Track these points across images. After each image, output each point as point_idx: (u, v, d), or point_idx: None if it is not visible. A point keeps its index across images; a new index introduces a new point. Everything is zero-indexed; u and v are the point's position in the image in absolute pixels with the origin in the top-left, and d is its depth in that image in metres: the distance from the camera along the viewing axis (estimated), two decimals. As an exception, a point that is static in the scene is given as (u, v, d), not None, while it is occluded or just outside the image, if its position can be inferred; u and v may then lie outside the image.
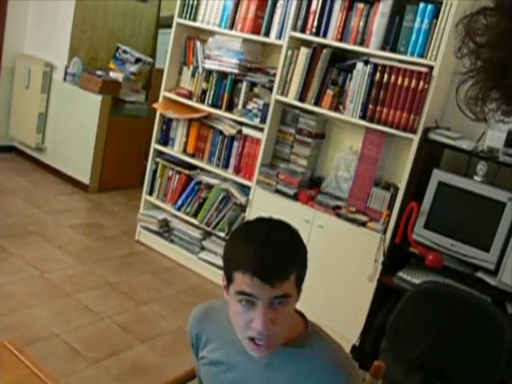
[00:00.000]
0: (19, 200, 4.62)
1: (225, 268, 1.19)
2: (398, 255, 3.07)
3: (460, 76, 0.59)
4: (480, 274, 2.79)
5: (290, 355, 1.21)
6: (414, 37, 3.01)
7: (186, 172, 4.06)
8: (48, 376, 1.42)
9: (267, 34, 3.60)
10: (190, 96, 4.00)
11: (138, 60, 5.21)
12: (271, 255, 1.12)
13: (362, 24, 3.20)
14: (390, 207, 3.14)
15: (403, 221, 2.97)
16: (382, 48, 3.13)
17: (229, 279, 1.16)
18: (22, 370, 1.42)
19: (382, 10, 3.12)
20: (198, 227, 4.02)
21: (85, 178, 5.11)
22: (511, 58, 0.53)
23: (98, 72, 5.09)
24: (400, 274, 2.95)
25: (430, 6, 2.96)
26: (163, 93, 4.11)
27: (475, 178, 2.83)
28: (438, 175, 2.89)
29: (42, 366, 1.47)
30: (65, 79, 5.22)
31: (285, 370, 1.20)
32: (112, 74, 5.12)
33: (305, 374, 1.19)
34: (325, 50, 3.35)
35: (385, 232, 3.11)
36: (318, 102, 3.38)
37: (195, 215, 4.00)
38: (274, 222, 1.20)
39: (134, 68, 5.18)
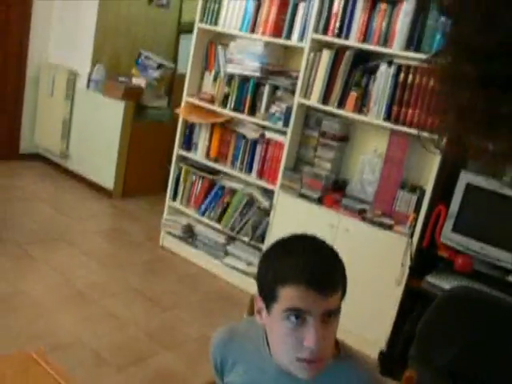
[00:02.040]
0: (45, 206, 4.66)
1: (265, 286, 1.13)
2: (425, 259, 3.01)
3: None
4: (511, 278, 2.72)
5: (321, 382, 1.15)
6: (438, 36, 2.96)
7: (210, 177, 4.05)
8: (73, 385, 1.41)
9: (289, 37, 3.57)
10: (212, 100, 3.99)
11: (160, 66, 5.23)
12: (323, 265, 1.09)
13: (384, 24, 3.15)
14: (417, 210, 3.08)
15: (430, 224, 2.92)
16: (406, 48, 3.07)
17: (272, 298, 1.10)
18: (48, 380, 1.41)
19: (406, 10, 3.07)
20: (222, 232, 4.00)
21: (109, 184, 5.14)
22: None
23: (121, 78, 5.12)
24: (428, 278, 2.89)
25: (454, 5, 2.90)
26: (185, 98, 4.11)
27: (504, 179, 2.76)
28: (465, 177, 2.83)
29: (69, 377, 1.46)
30: (88, 86, 5.27)
31: None
32: (134, 80, 5.15)
33: None
34: (347, 52, 3.31)
35: (411, 235, 3.05)
36: (341, 105, 3.34)
37: (219, 220, 3.98)
38: (312, 237, 1.17)
39: (156, 74, 5.20)
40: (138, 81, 5.14)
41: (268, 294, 1.12)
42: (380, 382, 1.20)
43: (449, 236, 2.87)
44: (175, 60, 5.75)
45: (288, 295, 1.07)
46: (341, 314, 1.13)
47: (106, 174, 5.15)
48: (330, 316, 1.08)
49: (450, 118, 0.49)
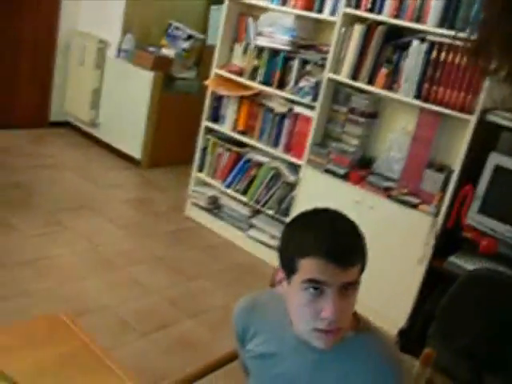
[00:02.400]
0: (73, 174, 4.74)
1: (285, 257, 1.16)
2: (449, 239, 3.00)
3: None
4: (536, 262, 2.70)
5: (338, 354, 1.18)
6: (473, 13, 2.89)
7: (236, 149, 4.07)
8: (101, 350, 1.46)
9: (320, 11, 3.52)
10: (241, 73, 3.98)
11: (189, 37, 5.22)
12: (343, 239, 1.11)
13: (419, 0, 3.09)
14: (443, 190, 3.06)
15: (457, 204, 2.90)
16: (440, 25, 3.01)
17: (292, 269, 1.13)
18: (76, 342, 1.47)
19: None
20: (246, 205, 4.03)
21: (136, 154, 5.20)
22: None
23: (151, 48, 5.13)
24: (451, 258, 2.88)
25: (492, -19, 2.83)
26: (214, 70, 4.10)
27: (535, 161, 2.72)
28: (495, 158, 2.79)
29: (95, 339, 1.51)
30: (118, 56, 5.29)
31: (333, 371, 1.18)
32: (164, 51, 5.15)
33: (353, 375, 1.16)
34: (380, 27, 3.27)
35: (437, 215, 3.04)
36: (371, 81, 3.31)
37: (244, 193, 4.01)
38: (334, 211, 1.18)
39: (185, 45, 5.20)
40: (168, 51, 5.14)
41: (288, 265, 1.15)
42: (398, 357, 1.22)
43: (475, 217, 2.85)
44: (205, 31, 5.71)
45: (307, 267, 1.09)
46: (362, 290, 1.15)
47: (133, 143, 5.20)
48: (348, 289, 1.10)
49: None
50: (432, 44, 3.06)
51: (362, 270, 1.13)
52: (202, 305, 3.24)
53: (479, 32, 0.53)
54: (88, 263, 3.42)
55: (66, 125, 5.82)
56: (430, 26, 3.04)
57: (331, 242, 1.09)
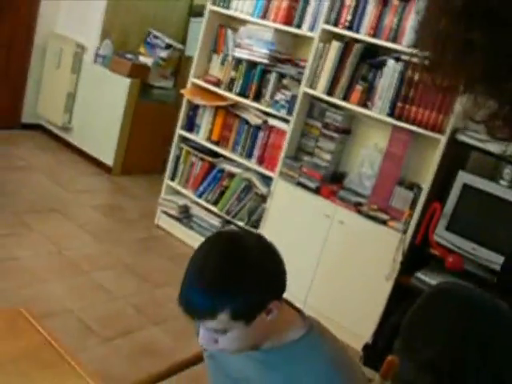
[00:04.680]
0: (43, 177, 4.66)
1: None
2: (417, 256, 3.03)
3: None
4: (500, 280, 2.74)
5: (285, 356, 1.18)
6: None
7: (210, 159, 4.06)
8: (61, 345, 1.43)
9: (299, 26, 3.57)
10: (218, 84, 4.00)
11: (168, 46, 5.22)
12: (196, 295, 1.08)
13: (395, 21, 3.16)
14: (413, 207, 3.11)
15: (425, 221, 2.94)
16: (415, 46, 3.07)
17: None
18: (36, 337, 1.43)
19: (417, 8, 3.06)
20: (217, 215, 4.02)
21: (109, 160, 5.15)
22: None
23: (128, 55, 5.12)
24: (418, 274, 2.91)
25: (467, 6, 2.91)
26: (192, 79, 4.11)
27: (501, 182, 2.78)
28: (463, 177, 2.85)
29: (56, 336, 1.48)
30: (95, 61, 5.26)
31: (280, 372, 1.18)
32: (142, 59, 5.14)
33: (299, 376, 1.16)
34: (356, 45, 3.32)
35: (405, 232, 3.08)
36: (346, 97, 3.35)
37: (216, 203, 4.00)
38: (218, 241, 1.16)
39: (163, 54, 5.20)
40: (145, 59, 5.13)
41: None
42: (343, 357, 1.21)
43: (442, 234, 2.89)
44: (184, 42, 5.73)
45: None
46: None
47: (106, 149, 5.15)
48: (218, 332, 1.10)
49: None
50: (407, 64, 3.12)
51: (238, 314, 1.08)
52: (168, 312, 3.20)
53: (430, 45, 0.54)
54: (53, 266, 3.35)
55: (38, 128, 5.73)
56: (405, 46, 3.10)
57: (185, 297, 1.09)
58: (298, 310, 1.26)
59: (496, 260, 2.73)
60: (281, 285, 1.14)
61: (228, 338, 1.10)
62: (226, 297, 1.07)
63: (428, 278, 2.86)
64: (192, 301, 1.08)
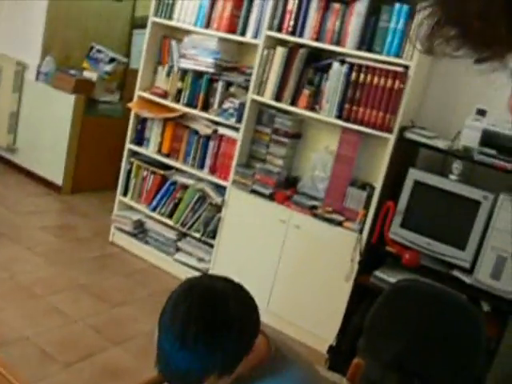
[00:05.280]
0: (-11, 201, 4.50)
1: None
2: (374, 255, 3.06)
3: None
4: (456, 273, 2.80)
5: None
6: (389, 37, 3.02)
7: (161, 172, 4.01)
8: (19, 379, 1.37)
9: (243, 34, 3.57)
10: (165, 96, 3.95)
11: (112, 60, 5.14)
12: (184, 363, 1.06)
13: (338, 24, 3.19)
14: (367, 207, 3.14)
15: (380, 220, 2.97)
16: (358, 48, 3.13)
17: None
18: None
19: (358, 11, 3.12)
20: (173, 228, 3.97)
21: (57, 179, 5.01)
22: None
23: (72, 71, 5.01)
24: (376, 273, 2.94)
25: (405, 7, 2.97)
26: (138, 92, 4.05)
27: (451, 176, 2.84)
28: (413, 174, 2.89)
29: (13, 369, 1.41)
30: (37, 78, 5.12)
31: None
32: (86, 74, 5.04)
33: None
34: (301, 50, 3.34)
35: (361, 232, 3.11)
36: (294, 102, 3.37)
37: (170, 216, 3.94)
38: (200, 303, 1.13)
39: (108, 68, 5.11)
40: (90, 74, 5.04)
41: None
42: (311, 379, 1.21)
43: (397, 232, 2.93)
44: (128, 55, 5.66)
45: None
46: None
47: (54, 168, 5.02)
48: None
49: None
50: (351, 66, 3.16)
51: (223, 372, 1.08)
52: (127, 332, 3.13)
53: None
54: (4, 292, 3.23)
55: (-20, 150, 5.54)
56: (348, 48, 3.14)
57: (168, 364, 1.08)
58: (264, 334, 1.24)
59: (450, 253, 2.78)
60: (258, 329, 1.14)
61: None
62: (218, 355, 1.05)
63: (386, 276, 2.89)
64: (179, 370, 1.06)
